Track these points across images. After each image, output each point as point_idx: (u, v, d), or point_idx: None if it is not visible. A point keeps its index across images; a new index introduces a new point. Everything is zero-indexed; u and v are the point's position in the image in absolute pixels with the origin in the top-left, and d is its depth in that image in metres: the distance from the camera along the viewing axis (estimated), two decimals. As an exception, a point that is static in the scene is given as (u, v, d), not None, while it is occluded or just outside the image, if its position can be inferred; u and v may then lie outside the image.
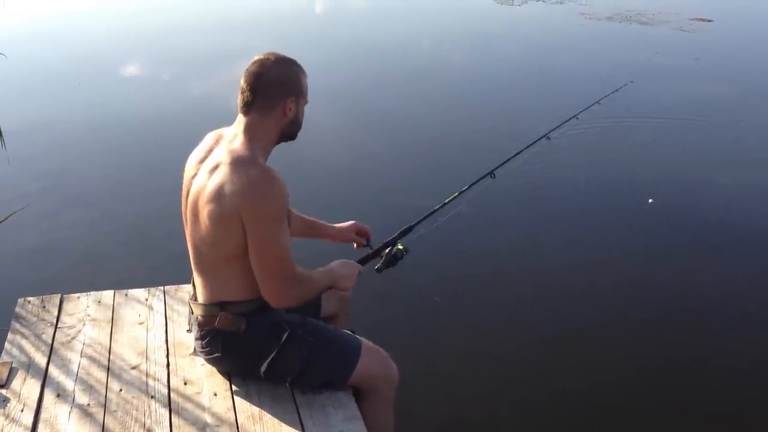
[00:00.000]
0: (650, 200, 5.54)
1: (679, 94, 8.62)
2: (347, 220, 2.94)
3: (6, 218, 5.25)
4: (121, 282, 4.08)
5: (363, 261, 2.77)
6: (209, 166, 2.33)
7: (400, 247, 2.80)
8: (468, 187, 3.20)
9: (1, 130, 6.71)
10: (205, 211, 2.30)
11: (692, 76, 9.49)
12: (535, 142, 3.68)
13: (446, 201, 3.12)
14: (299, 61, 2.44)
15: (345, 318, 3.01)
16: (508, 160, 3.44)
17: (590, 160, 6.47)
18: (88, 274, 4.41)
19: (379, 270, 2.80)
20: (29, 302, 3.00)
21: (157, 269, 4.22)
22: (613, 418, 3.49)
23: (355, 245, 2.91)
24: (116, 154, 6.59)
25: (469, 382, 3.68)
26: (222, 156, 2.31)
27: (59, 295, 3.06)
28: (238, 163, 2.26)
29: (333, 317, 2.95)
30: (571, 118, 3.96)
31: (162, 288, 3.14)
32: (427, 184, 5.78)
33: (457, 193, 3.16)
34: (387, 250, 2.80)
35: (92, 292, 3.10)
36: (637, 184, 6.01)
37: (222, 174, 2.26)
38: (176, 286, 3.13)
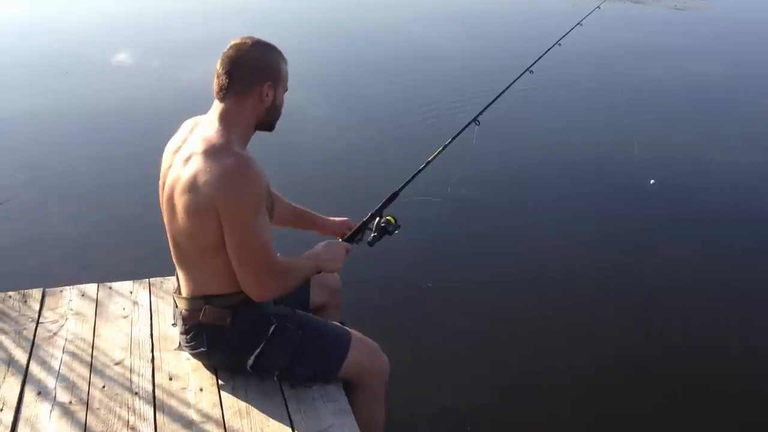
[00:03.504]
0: (652, 181, 5.44)
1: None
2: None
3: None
4: (107, 274, 3.99)
5: (350, 238, 2.67)
6: (183, 156, 2.25)
7: (391, 219, 2.68)
8: (451, 140, 3.01)
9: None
10: (180, 203, 2.22)
11: None
12: (519, 77, 3.50)
13: (430, 159, 2.92)
14: (289, 45, 2.35)
15: (335, 309, 2.95)
16: (491, 103, 3.26)
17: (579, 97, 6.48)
18: (73, 267, 4.35)
19: (371, 243, 2.68)
20: (10, 297, 2.92)
21: (143, 260, 4.13)
22: (610, 403, 3.45)
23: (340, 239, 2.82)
24: (102, 143, 6.49)
25: (462, 371, 3.63)
26: (196, 145, 2.22)
27: (41, 289, 2.98)
28: (211, 152, 2.17)
29: (323, 308, 2.89)
30: (553, 46, 3.82)
31: (147, 280, 3.06)
32: (414, 149, 5.74)
33: (441, 148, 2.98)
34: (376, 221, 2.68)
35: (75, 286, 3.02)
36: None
37: (195, 164, 2.18)
38: (162, 278, 3.05)
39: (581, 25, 4.11)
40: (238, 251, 2.19)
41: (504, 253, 4.70)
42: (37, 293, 2.95)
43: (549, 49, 3.71)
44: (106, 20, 11.65)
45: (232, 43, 2.30)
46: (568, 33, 3.91)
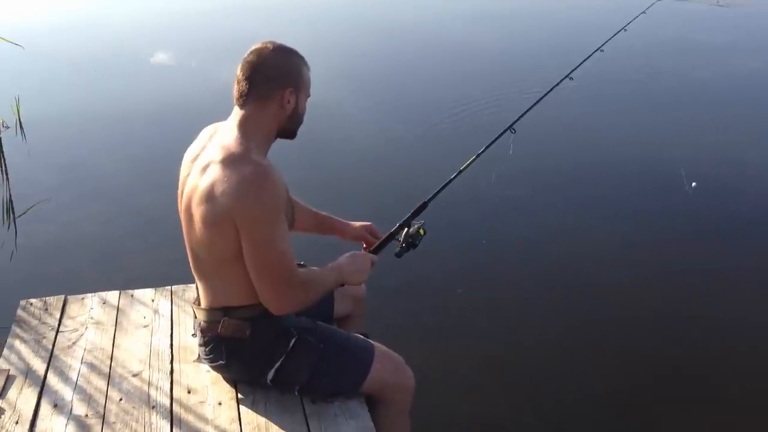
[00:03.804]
0: (693, 184, 5.25)
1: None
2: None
3: (25, 212, 5.24)
4: (133, 278, 4.03)
5: (376, 250, 2.57)
6: (201, 165, 2.17)
7: (420, 230, 2.58)
8: (485, 149, 2.90)
9: (22, 122, 6.75)
10: (197, 213, 2.15)
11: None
12: (557, 84, 3.39)
13: (462, 168, 2.81)
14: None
15: (360, 319, 2.87)
16: (528, 110, 3.14)
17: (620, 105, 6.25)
18: (100, 271, 4.33)
19: (398, 254, 2.57)
20: (31, 304, 2.89)
21: (170, 264, 4.05)
22: (656, 417, 3.27)
23: (364, 245, 2.72)
24: (136, 145, 6.49)
25: (494, 384, 3.49)
26: (214, 153, 2.15)
27: (63, 296, 2.94)
28: (229, 161, 2.09)
29: (347, 318, 2.81)
30: (595, 51, 3.67)
31: (169, 288, 3.01)
32: (444, 156, 5.61)
33: (474, 157, 2.86)
34: (404, 231, 2.58)
35: (97, 293, 2.98)
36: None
37: (213, 173, 2.10)
38: (184, 286, 2.99)
39: (625, 30, 3.95)
40: (255, 263, 2.11)
41: (540, 257, 4.54)
42: (58, 301, 2.91)
43: (590, 55, 3.58)
44: (149, 20, 11.69)
45: (253, 48, 2.23)
46: (611, 39, 3.76)
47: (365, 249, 2.66)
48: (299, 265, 2.63)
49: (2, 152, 6.31)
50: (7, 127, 6.67)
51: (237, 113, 2.21)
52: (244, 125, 2.18)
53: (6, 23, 8.63)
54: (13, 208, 5.36)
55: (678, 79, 8.16)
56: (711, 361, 3.61)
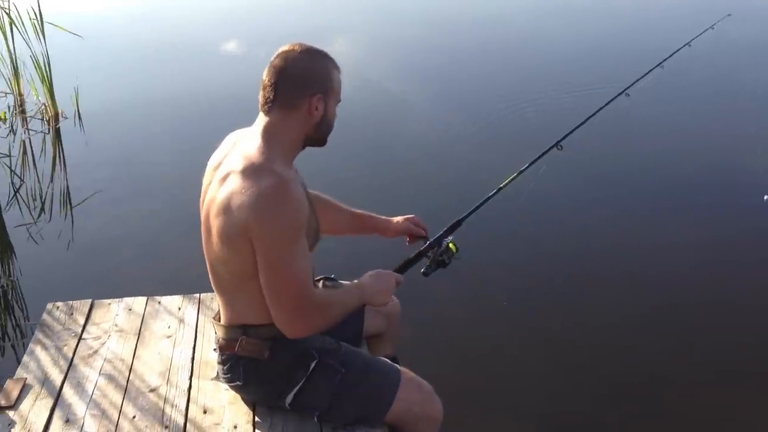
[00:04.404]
0: (766, 197, 4.85)
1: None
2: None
3: (80, 203, 5.25)
4: (167, 280, 3.96)
5: (402, 268, 2.39)
6: (221, 174, 2.04)
7: (451, 246, 2.42)
8: (528, 166, 2.71)
9: (81, 113, 6.81)
10: (214, 226, 2.02)
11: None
12: (612, 100, 3.14)
13: (501, 185, 2.63)
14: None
15: (393, 338, 2.71)
16: (577, 128, 2.91)
17: (680, 124, 5.77)
18: (138, 268, 4.28)
19: (426, 273, 2.42)
20: (57, 308, 2.82)
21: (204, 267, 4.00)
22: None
23: (408, 239, 2.54)
24: (193, 138, 6.34)
25: (533, 408, 3.23)
26: (235, 162, 2.01)
27: (89, 301, 2.86)
28: (249, 171, 1.95)
29: (379, 337, 2.65)
30: (655, 67, 3.40)
31: (198, 296, 2.90)
32: (484, 165, 5.32)
33: (515, 174, 2.68)
34: (434, 250, 2.42)
35: (124, 299, 2.89)
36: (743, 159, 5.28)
37: (232, 184, 1.96)
38: (212, 295, 2.87)
39: (689, 45, 3.65)
40: (269, 284, 1.97)
41: (590, 270, 4.23)
42: (84, 305, 2.84)
43: (651, 70, 3.32)
44: (211, 9, 11.64)
45: (280, 50, 2.08)
46: (673, 54, 3.49)
47: (409, 242, 2.52)
48: (326, 279, 2.50)
49: (60, 142, 6.38)
50: (66, 118, 6.72)
51: (262, 120, 2.06)
52: (268, 133, 2.03)
53: (65, 12, 8.62)
54: (70, 199, 5.38)
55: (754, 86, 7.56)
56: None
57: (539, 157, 2.73)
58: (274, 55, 2.07)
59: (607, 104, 3.06)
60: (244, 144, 2.06)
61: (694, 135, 6.05)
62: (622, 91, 3.16)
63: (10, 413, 2.28)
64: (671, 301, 3.94)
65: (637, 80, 3.22)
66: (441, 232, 2.46)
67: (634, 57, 6.31)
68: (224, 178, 2.03)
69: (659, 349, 3.59)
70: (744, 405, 3.18)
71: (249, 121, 2.12)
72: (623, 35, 8.85)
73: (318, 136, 2.12)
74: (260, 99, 2.06)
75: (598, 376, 3.40)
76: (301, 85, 2.03)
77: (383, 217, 2.57)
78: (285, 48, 2.08)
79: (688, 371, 3.40)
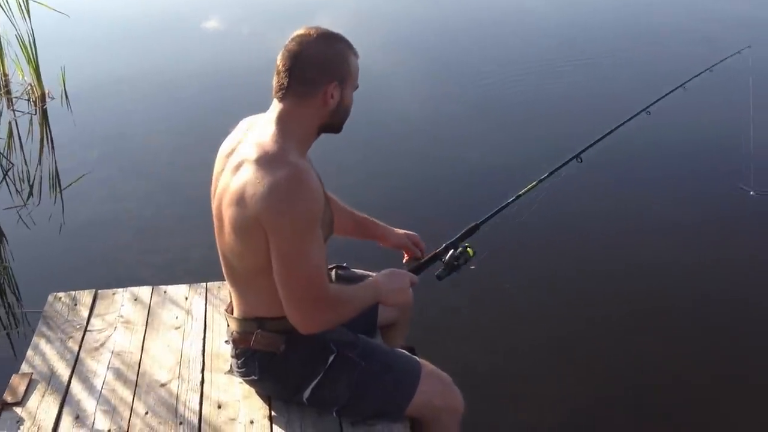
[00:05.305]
0: None
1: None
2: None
3: (69, 185, 5.14)
4: (167, 266, 3.86)
5: (417, 269, 2.35)
6: (234, 162, 1.96)
7: (468, 250, 2.37)
8: (548, 175, 2.69)
9: (68, 92, 6.65)
10: (227, 216, 1.95)
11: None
12: (633, 117, 3.10)
13: (521, 192, 2.63)
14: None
15: (405, 328, 2.67)
16: (600, 139, 2.90)
17: (699, 141, 5.63)
18: (136, 252, 4.18)
19: (440, 277, 2.37)
20: (60, 299, 2.73)
21: (206, 252, 3.86)
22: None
23: (405, 256, 2.50)
24: (182, 117, 6.23)
25: (556, 414, 3.18)
26: (249, 151, 1.93)
27: (93, 291, 2.78)
28: (264, 161, 1.87)
29: (392, 327, 2.60)
30: (677, 88, 3.35)
31: (204, 285, 2.82)
32: (502, 170, 5.10)
33: (534, 182, 2.66)
34: (450, 253, 2.37)
35: (129, 288, 2.81)
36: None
37: (246, 173, 1.89)
38: (219, 284, 2.80)
39: (711, 71, 3.59)
40: (282, 278, 1.89)
41: (605, 280, 4.10)
42: (88, 296, 2.75)
43: (671, 91, 3.27)
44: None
45: (295, 34, 1.98)
46: (696, 76, 3.43)
47: (406, 260, 2.47)
48: (339, 267, 2.44)
49: (48, 123, 6.23)
50: (53, 98, 6.56)
51: (276, 107, 1.98)
52: (282, 121, 1.95)
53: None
54: (59, 181, 5.26)
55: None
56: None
57: (559, 168, 2.71)
58: (289, 39, 1.98)
59: (628, 120, 3.04)
60: (257, 131, 1.99)
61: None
62: (644, 109, 3.14)
63: (18, 410, 2.20)
64: (687, 305, 3.87)
65: (659, 99, 3.20)
66: (457, 236, 2.41)
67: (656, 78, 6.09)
68: (237, 167, 1.95)
69: (678, 353, 3.53)
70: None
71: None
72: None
73: (334, 123, 2.04)
74: (274, 84, 1.98)
75: (613, 378, 3.36)
76: (317, 72, 1.94)
77: (384, 226, 2.53)
78: (300, 32, 1.98)
79: (708, 375, 3.36)
